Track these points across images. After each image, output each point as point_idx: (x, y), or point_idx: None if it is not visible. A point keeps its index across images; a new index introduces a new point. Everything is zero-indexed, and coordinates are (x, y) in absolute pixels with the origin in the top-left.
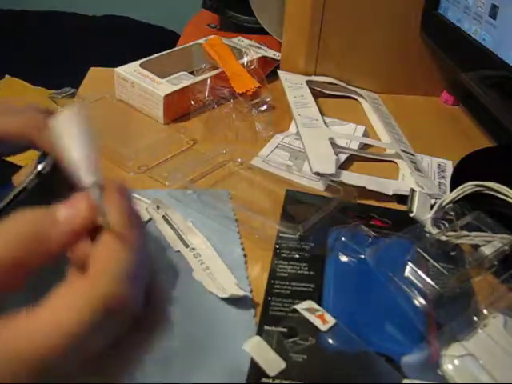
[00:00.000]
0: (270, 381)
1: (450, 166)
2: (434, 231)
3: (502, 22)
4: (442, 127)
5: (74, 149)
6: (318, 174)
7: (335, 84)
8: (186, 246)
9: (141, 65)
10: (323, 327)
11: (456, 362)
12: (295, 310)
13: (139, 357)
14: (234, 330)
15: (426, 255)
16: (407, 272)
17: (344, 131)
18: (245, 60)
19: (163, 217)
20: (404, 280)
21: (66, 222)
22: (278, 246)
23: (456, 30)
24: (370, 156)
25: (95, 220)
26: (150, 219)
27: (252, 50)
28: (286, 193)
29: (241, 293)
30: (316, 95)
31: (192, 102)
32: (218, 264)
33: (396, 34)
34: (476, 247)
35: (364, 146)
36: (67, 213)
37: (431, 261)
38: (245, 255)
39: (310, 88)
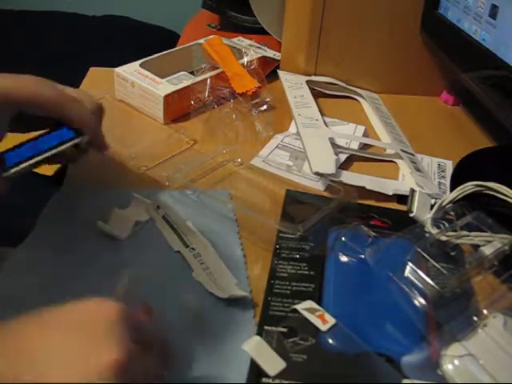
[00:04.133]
0: (270, 381)
1: (449, 166)
2: (434, 231)
3: (501, 22)
4: (442, 127)
5: None
6: (318, 173)
7: (335, 84)
8: (186, 246)
9: (141, 65)
10: (323, 327)
11: (456, 362)
12: (295, 310)
13: None
14: (233, 330)
15: (426, 255)
16: (407, 272)
17: (344, 131)
18: (245, 60)
19: (163, 217)
20: (404, 280)
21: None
22: (278, 246)
23: (456, 30)
24: (370, 156)
25: None
26: (150, 219)
27: (252, 50)
28: (285, 193)
29: (241, 293)
30: (316, 95)
31: (192, 102)
32: (217, 264)
33: (396, 34)
34: (476, 247)
35: (364, 146)
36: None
37: (431, 261)
38: (245, 255)
39: (310, 88)
